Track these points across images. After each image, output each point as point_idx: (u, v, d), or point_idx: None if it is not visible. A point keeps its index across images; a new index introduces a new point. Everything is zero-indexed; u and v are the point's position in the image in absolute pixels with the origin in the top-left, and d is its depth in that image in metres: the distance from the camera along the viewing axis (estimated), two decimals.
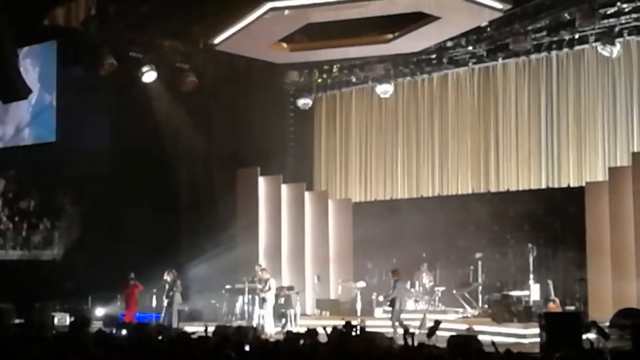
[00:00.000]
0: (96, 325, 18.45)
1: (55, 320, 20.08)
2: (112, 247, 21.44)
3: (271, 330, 18.97)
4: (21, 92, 16.67)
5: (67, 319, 19.88)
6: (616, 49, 19.03)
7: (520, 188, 21.94)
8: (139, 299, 21.10)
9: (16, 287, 21.12)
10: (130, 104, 22.72)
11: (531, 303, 19.28)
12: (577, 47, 20.50)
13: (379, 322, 18.93)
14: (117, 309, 21.51)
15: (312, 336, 11.52)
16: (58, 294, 21.94)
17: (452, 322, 19.20)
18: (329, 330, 12.38)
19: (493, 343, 10.98)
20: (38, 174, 25.75)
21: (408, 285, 20.60)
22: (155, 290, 20.44)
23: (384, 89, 23.01)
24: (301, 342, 11.21)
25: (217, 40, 19.54)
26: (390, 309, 18.45)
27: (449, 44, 21.65)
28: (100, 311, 21.58)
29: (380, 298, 19.20)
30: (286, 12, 17.71)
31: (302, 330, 14.29)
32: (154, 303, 20.64)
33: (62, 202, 25.71)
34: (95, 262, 21.75)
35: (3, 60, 15.64)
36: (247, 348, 10.36)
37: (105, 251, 21.73)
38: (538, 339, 15.11)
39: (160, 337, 11.71)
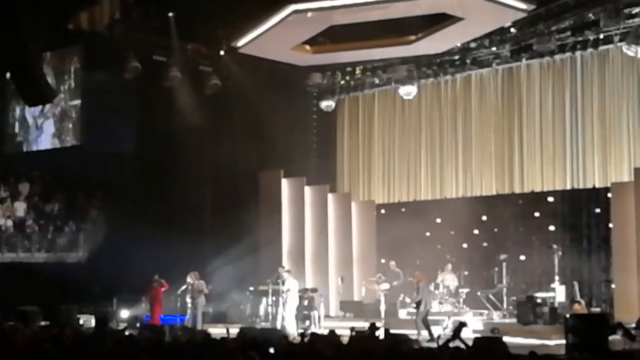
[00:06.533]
0: (121, 327, 18.64)
1: (81, 322, 20.21)
2: (136, 249, 21.53)
3: (292, 331, 18.97)
4: (46, 95, 16.81)
5: (93, 321, 20.01)
6: None
7: (545, 189, 21.81)
8: (163, 301, 21.19)
9: (42, 290, 21.26)
10: (154, 107, 22.83)
11: (557, 305, 19.17)
12: (601, 47, 20.35)
13: (403, 324, 18.88)
14: (142, 311, 21.62)
15: (335, 338, 11.52)
16: (83, 296, 22.07)
17: (477, 323, 19.12)
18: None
19: None
20: (63, 177, 25.90)
21: (432, 287, 20.58)
22: (179, 292, 20.53)
23: (407, 91, 22.98)
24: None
25: (240, 43, 19.61)
26: (415, 310, 18.44)
27: (473, 44, 21.61)
28: (125, 313, 21.70)
29: (407, 300, 19.15)
30: (309, 14, 17.74)
31: (327, 332, 14.32)
32: (179, 305, 20.73)
33: (87, 205, 25.87)
34: (120, 265, 21.86)
35: (29, 64, 15.78)
36: (271, 350, 10.37)
37: (130, 253, 21.83)
38: (564, 341, 15.00)
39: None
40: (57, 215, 25.74)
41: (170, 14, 20.75)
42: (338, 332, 12.97)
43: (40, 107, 23.89)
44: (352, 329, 13.74)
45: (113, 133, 23.63)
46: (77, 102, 23.87)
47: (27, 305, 20.04)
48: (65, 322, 18.33)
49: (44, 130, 24.85)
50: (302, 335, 12.56)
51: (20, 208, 25.55)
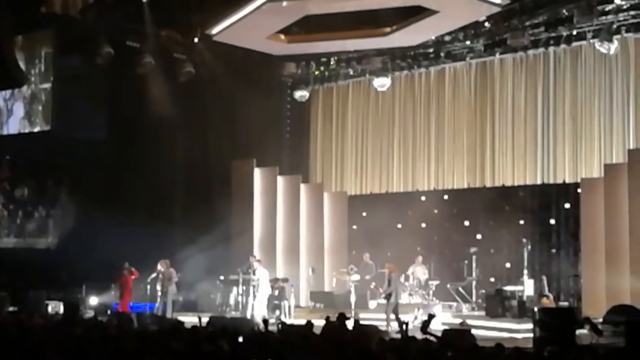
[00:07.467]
0: (89, 314, 18.57)
1: (49, 309, 20.06)
2: (106, 236, 21.41)
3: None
4: (18, 79, 16.65)
5: (61, 308, 19.89)
6: (614, 46, 19.02)
7: (516, 183, 21.97)
8: (133, 289, 21.09)
9: (10, 275, 21.11)
10: (126, 94, 22.66)
11: (525, 298, 19.31)
12: (574, 44, 20.49)
13: (373, 315, 18.95)
14: (111, 298, 21.51)
15: (306, 328, 11.52)
16: (52, 282, 21.92)
17: (446, 316, 19.25)
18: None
19: None
20: (33, 163, 25.67)
21: (402, 278, 20.64)
22: (149, 280, 20.45)
23: (381, 83, 22.98)
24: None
25: (214, 31, 19.52)
26: (385, 301, 18.50)
27: (447, 38, 21.66)
28: (94, 300, 21.57)
29: (381, 290, 19.19)
30: (284, 3, 17.69)
31: (296, 322, 14.31)
32: (149, 293, 20.64)
33: (57, 191, 25.67)
34: (89, 251, 21.72)
35: (0, 47, 15.61)
36: (240, 339, 10.36)
37: (100, 240, 21.71)
38: (531, 334, 15.13)
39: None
40: (27, 201, 25.53)
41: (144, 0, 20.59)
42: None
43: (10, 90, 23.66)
44: (327, 318, 13.72)
45: (84, 119, 23.43)
46: (48, 85, 23.62)
47: None
48: (34, 308, 18.23)
49: (14, 112, 24.60)
50: (265, 322, 12.39)
51: None
